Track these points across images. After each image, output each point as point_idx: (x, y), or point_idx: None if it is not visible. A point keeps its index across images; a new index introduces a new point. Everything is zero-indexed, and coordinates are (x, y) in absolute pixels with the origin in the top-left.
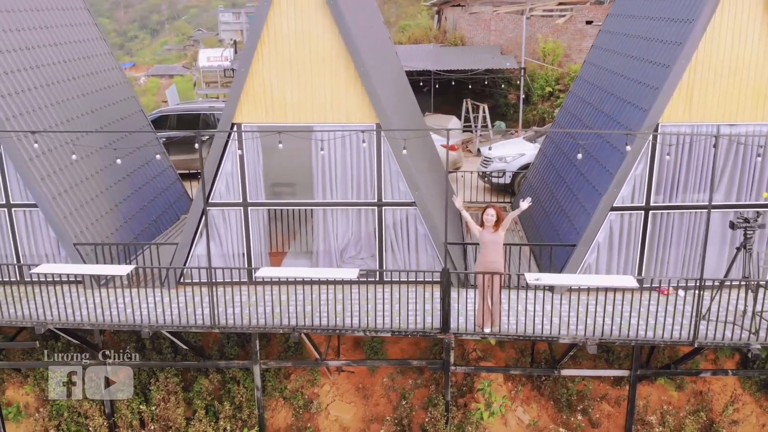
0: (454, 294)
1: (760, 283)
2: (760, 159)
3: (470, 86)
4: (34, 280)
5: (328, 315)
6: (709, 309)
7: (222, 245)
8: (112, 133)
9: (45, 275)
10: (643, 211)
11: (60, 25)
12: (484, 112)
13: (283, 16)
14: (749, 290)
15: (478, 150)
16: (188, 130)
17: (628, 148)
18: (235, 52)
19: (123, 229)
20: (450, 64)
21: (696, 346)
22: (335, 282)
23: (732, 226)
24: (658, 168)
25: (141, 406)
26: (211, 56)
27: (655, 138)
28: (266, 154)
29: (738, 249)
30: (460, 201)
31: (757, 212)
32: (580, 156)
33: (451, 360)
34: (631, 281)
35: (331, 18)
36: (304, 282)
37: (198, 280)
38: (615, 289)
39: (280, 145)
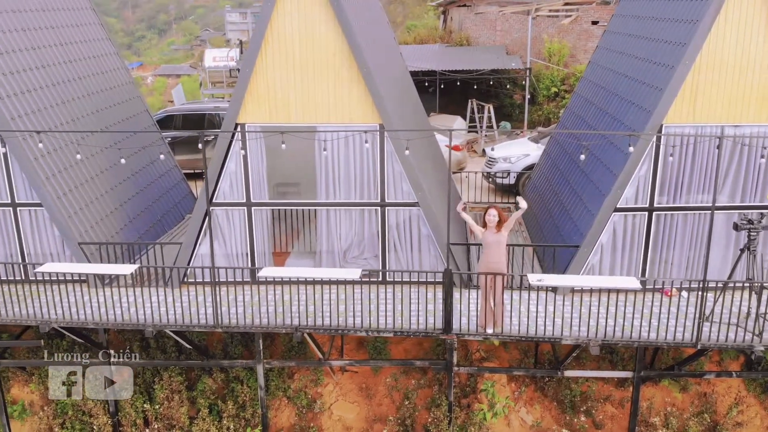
0: (456, 294)
1: (764, 284)
2: (764, 160)
3: (476, 86)
4: (38, 278)
5: (331, 315)
6: (712, 311)
7: (226, 245)
8: (117, 133)
9: (49, 274)
10: (646, 212)
11: (66, 25)
12: (489, 112)
13: (286, 16)
14: (753, 292)
15: (483, 150)
16: (192, 130)
17: (631, 149)
18: (241, 52)
19: (128, 228)
20: (455, 64)
21: (699, 347)
22: (338, 282)
23: (736, 227)
24: (662, 169)
25: (145, 405)
26: (216, 56)
27: (658, 139)
28: (270, 154)
29: (742, 250)
30: (461, 205)
31: (761, 214)
32: (583, 157)
33: (454, 360)
34: (633, 282)
35: (334, 18)
36: (306, 282)
37: (201, 280)
38: (618, 290)
39: (283, 146)
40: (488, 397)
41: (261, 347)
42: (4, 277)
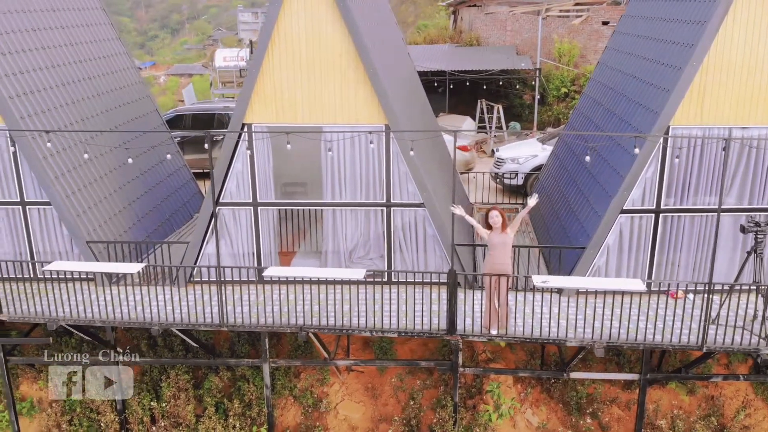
0: (461, 295)
1: None
2: None
3: (485, 87)
4: (47, 276)
5: (335, 315)
6: (718, 313)
7: (232, 244)
8: (126, 133)
9: (57, 272)
10: (653, 214)
11: (75, 25)
12: (498, 112)
13: (293, 16)
14: (760, 295)
15: (492, 151)
16: (200, 130)
17: (637, 150)
18: (251, 51)
19: (136, 227)
20: (465, 64)
21: (705, 350)
22: (343, 282)
23: (743, 229)
24: (669, 171)
25: (152, 403)
26: (227, 56)
27: (665, 141)
28: (277, 154)
29: (749, 253)
30: (460, 209)
31: None
32: (588, 158)
33: (460, 361)
34: (638, 285)
35: (341, 19)
36: (311, 282)
37: (208, 279)
38: (623, 293)
39: (289, 146)
40: (494, 398)
41: (267, 346)
42: (13, 275)
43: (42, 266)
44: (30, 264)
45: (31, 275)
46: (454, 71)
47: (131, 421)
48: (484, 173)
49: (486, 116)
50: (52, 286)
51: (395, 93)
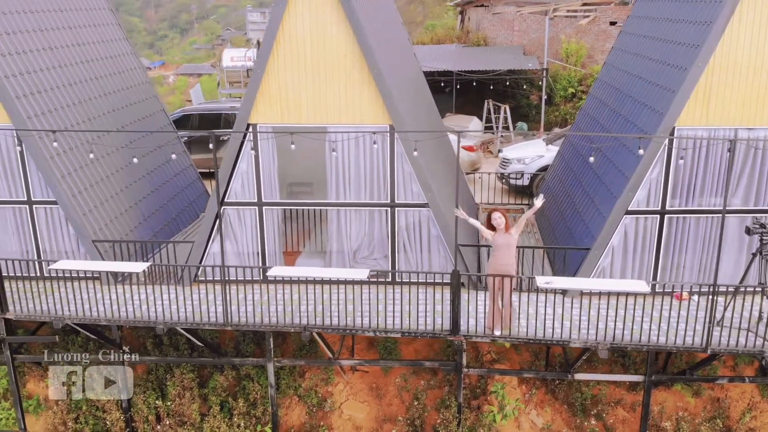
0: (465, 296)
1: None
2: None
3: (492, 87)
4: (53, 275)
5: (339, 315)
6: (723, 315)
7: (237, 244)
8: (132, 133)
9: (63, 271)
10: (658, 215)
11: (83, 26)
12: (505, 113)
13: (298, 17)
14: (765, 296)
15: (499, 151)
16: (205, 130)
17: (641, 151)
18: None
19: (142, 227)
20: (472, 64)
21: (709, 352)
22: (347, 282)
23: (748, 231)
24: (674, 172)
25: (157, 401)
26: (234, 56)
27: (671, 142)
28: (282, 154)
29: (754, 255)
30: (463, 213)
31: None
32: (592, 159)
33: (464, 362)
34: (642, 286)
35: (345, 19)
36: (315, 281)
37: (213, 278)
38: (628, 294)
39: (293, 146)
40: (498, 399)
41: (272, 346)
42: (20, 274)
43: (48, 265)
44: (36, 263)
45: (38, 274)
46: (461, 71)
47: (136, 420)
48: (490, 173)
49: (493, 116)
50: (59, 285)
51: (400, 93)
